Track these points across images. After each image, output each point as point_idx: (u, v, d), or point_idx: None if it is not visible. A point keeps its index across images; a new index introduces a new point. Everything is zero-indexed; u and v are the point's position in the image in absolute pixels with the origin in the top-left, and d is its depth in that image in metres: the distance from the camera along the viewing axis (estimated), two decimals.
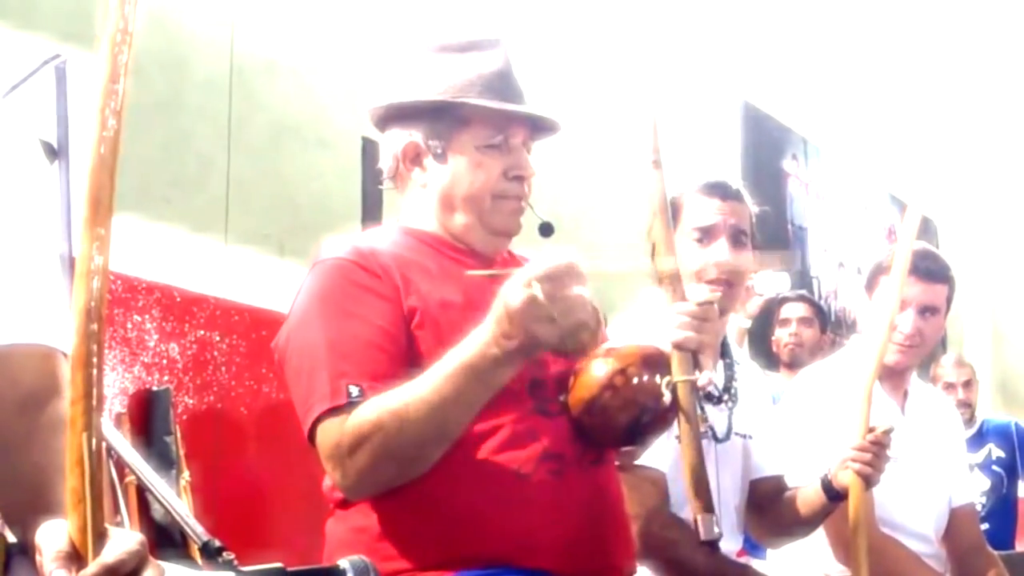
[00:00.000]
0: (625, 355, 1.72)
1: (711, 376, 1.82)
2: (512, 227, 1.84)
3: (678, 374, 1.74)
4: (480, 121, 1.81)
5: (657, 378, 1.71)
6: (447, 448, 1.62)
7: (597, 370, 1.70)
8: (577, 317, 1.51)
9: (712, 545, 1.83)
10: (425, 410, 1.56)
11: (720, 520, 1.84)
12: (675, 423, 1.78)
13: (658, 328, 1.80)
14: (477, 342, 1.54)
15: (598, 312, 1.57)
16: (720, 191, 2.29)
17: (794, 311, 4.57)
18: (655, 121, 1.89)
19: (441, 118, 1.82)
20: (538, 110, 1.86)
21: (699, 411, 1.86)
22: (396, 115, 1.87)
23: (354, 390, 1.60)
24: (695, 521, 1.81)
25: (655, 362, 1.73)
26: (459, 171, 1.81)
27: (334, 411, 1.61)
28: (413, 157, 1.85)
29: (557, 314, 1.48)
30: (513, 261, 1.93)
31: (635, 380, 1.70)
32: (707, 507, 1.81)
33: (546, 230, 1.90)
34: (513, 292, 1.50)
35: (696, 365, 1.78)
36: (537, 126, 1.88)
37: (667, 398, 1.71)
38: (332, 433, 1.61)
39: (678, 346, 1.77)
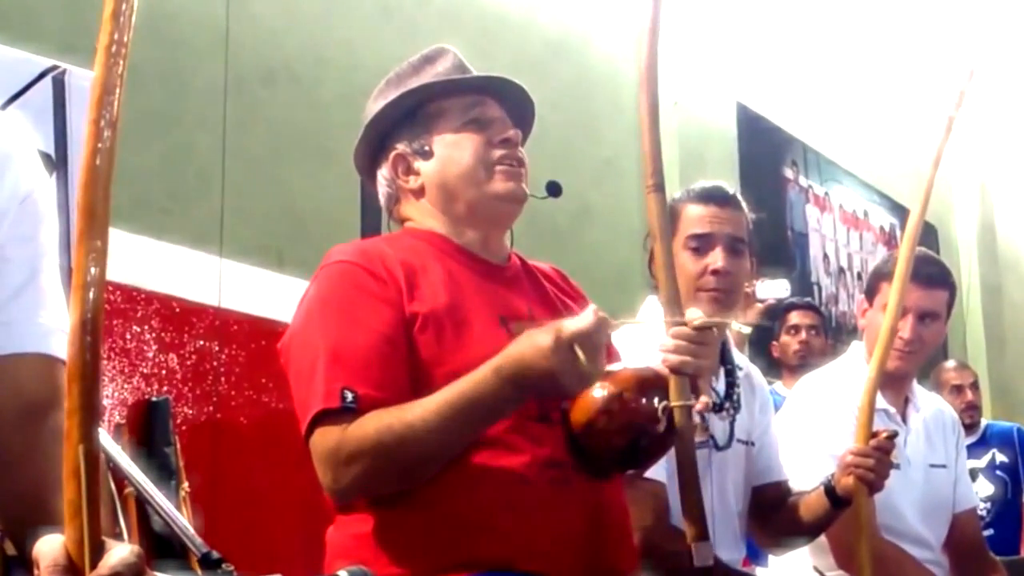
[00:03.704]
0: (621, 379, 1.72)
1: (707, 400, 1.82)
2: (516, 190, 1.85)
3: (675, 399, 1.74)
4: (452, 106, 1.87)
5: (655, 402, 1.70)
6: (443, 467, 1.63)
7: (594, 394, 1.70)
8: (598, 370, 1.56)
9: (706, 572, 1.82)
10: (428, 435, 1.57)
11: (723, 531, 1.83)
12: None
13: (656, 350, 1.80)
14: (491, 380, 1.56)
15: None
16: (715, 198, 2.29)
17: (804, 318, 4.57)
18: (656, 144, 1.88)
19: (416, 120, 1.88)
20: (501, 76, 1.90)
21: (703, 421, 1.85)
22: (376, 147, 1.92)
23: (348, 395, 1.61)
24: (690, 549, 1.80)
25: (651, 386, 1.73)
26: (447, 156, 1.85)
27: (330, 415, 1.62)
28: (404, 167, 1.88)
29: (588, 374, 1.53)
30: (525, 267, 1.93)
31: (631, 405, 1.70)
32: (702, 535, 1.80)
33: (554, 190, 1.91)
34: (556, 352, 1.52)
35: (693, 390, 1.78)
36: (509, 105, 1.91)
37: (663, 424, 1.70)
38: (330, 438, 1.61)
39: (675, 371, 1.77)
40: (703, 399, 1.81)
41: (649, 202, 1.88)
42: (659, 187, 1.87)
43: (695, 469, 1.82)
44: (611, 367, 1.78)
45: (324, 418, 1.62)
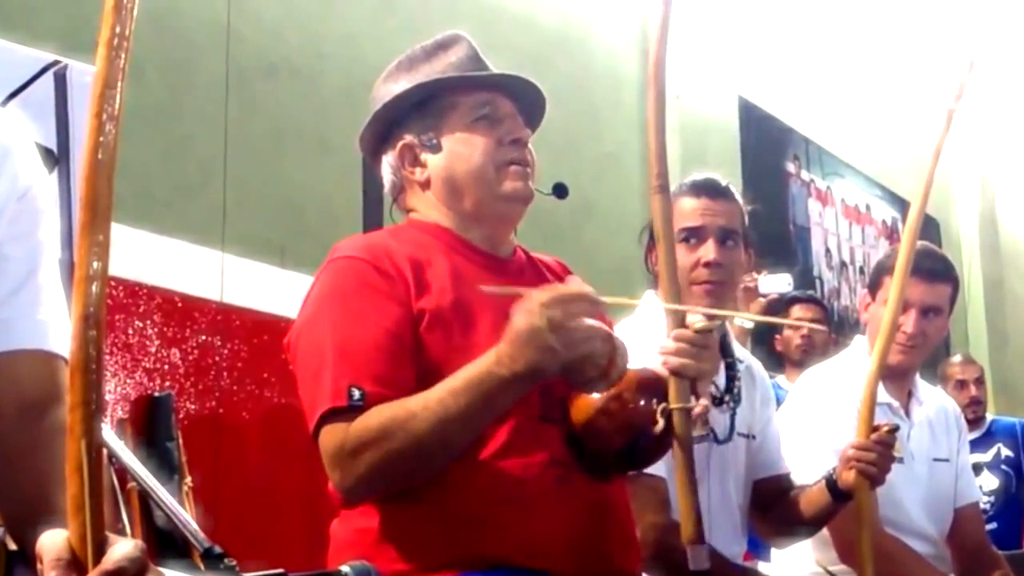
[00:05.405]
0: (621, 380, 1.71)
1: (707, 404, 1.81)
2: (522, 191, 1.83)
3: (674, 402, 1.74)
4: (464, 101, 1.84)
5: (653, 403, 1.70)
6: (449, 460, 1.62)
7: (593, 394, 1.69)
8: (582, 350, 1.52)
9: (703, 575, 1.81)
10: (431, 423, 1.56)
11: (724, 524, 1.82)
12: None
13: (656, 352, 1.80)
14: (487, 360, 1.55)
15: (617, 345, 1.56)
16: (707, 191, 2.28)
17: (806, 312, 4.56)
18: (661, 145, 1.87)
19: (427, 111, 1.85)
20: (516, 74, 1.88)
21: (704, 415, 1.85)
22: (384, 133, 1.90)
23: (356, 392, 1.61)
24: (686, 551, 1.80)
25: (651, 387, 1.72)
26: (455, 151, 1.83)
27: (337, 413, 1.61)
28: (411, 158, 1.86)
29: (560, 344, 1.50)
30: (530, 261, 1.93)
31: (630, 406, 1.69)
32: (698, 538, 1.80)
33: (560, 191, 1.90)
34: (519, 315, 1.51)
35: (693, 392, 1.78)
36: (521, 101, 1.89)
37: (661, 425, 1.70)
38: (335, 435, 1.61)
39: (675, 373, 1.76)
40: (702, 402, 1.81)
41: (653, 203, 1.87)
42: (663, 188, 1.86)
43: (693, 472, 1.81)
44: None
45: (331, 416, 1.62)
